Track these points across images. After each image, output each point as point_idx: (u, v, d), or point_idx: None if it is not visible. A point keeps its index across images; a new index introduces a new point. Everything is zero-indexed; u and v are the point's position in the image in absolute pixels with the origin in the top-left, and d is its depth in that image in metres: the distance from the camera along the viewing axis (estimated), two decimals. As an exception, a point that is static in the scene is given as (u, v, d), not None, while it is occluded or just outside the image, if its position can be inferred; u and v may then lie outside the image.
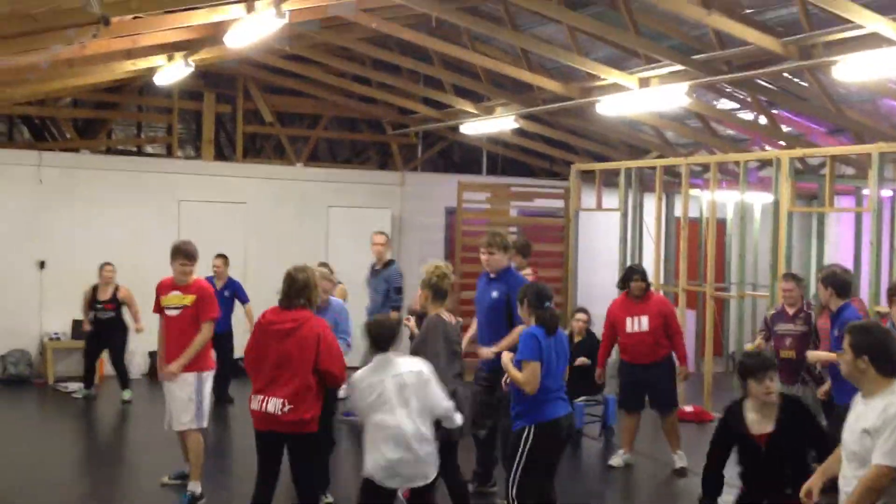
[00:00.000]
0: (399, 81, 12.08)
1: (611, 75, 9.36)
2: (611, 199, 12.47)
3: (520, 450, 5.74)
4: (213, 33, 8.81)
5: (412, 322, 6.94)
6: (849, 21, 7.08)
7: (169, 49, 9.68)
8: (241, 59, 11.65)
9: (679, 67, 8.77)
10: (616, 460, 8.52)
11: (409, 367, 5.43)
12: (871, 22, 6.91)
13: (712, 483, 5.07)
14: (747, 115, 11.03)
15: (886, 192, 10.77)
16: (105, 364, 11.38)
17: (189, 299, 7.02)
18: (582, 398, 9.18)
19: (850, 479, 4.08)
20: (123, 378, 10.91)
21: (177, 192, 12.61)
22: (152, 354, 11.08)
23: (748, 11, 8.09)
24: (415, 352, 6.08)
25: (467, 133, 12.89)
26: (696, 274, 12.97)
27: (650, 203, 11.78)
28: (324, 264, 8.30)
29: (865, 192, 10.54)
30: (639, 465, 8.60)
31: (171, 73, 10.31)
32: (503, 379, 6.20)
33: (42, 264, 12.04)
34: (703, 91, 10.25)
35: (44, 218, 12.03)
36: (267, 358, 5.66)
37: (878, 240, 9.08)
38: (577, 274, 12.99)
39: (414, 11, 8.92)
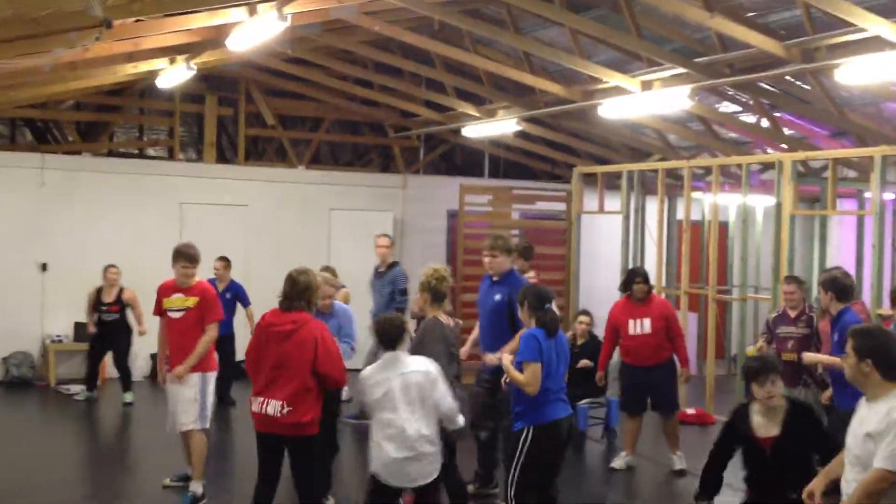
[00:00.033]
0: (401, 84, 12.08)
1: (613, 78, 9.36)
2: (613, 202, 12.46)
3: (518, 450, 5.77)
4: (215, 36, 8.81)
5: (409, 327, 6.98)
6: (851, 24, 7.08)
7: (171, 52, 9.68)
8: (243, 62, 11.65)
9: (681, 70, 8.76)
10: (618, 462, 8.52)
11: (416, 366, 5.48)
12: (873, 25, 6.91)
13: (711, 482, 5.06)
14: (749, 118, 11.02)
15: (889, 195, 10.78)
16: (107, 366, 11.38)
17: (192, 301, 7.06)
18: (585, 400, 9.17)
19: (852, 483, 4.08)
20: (126, 380, 10.92)
21: (178, 194, 12.62)
22: (154, 357, 11.08)
23: (751, 14, 8.09)
24: (413, 354, 6.07)
25: (469, 136, 12.89)
26: (698, 277, 12.97)
27: (652, 206, 11.78)
28: (327, 268, 8.32)
29: (868, 195, 10.52)
30: (641, 467, 8.59)
31: (173, 76, 10.31)
32: (503, 378, 6.22)
33: (44, 266, 12.04)
34: (705, 94, 10.24)
35: (46, 220, 12.04)
36: (266, 359, 5.69)
37: (880, 243, 9.07)
38: (579, 277, 12.98)
39: (416, 14, 8.93)
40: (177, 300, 7.10)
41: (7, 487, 7.45)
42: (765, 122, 10.70)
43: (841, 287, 7.03)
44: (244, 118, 13.48)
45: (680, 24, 8.66)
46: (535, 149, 13.82)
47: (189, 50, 9.48)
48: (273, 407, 5.60)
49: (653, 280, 9.40)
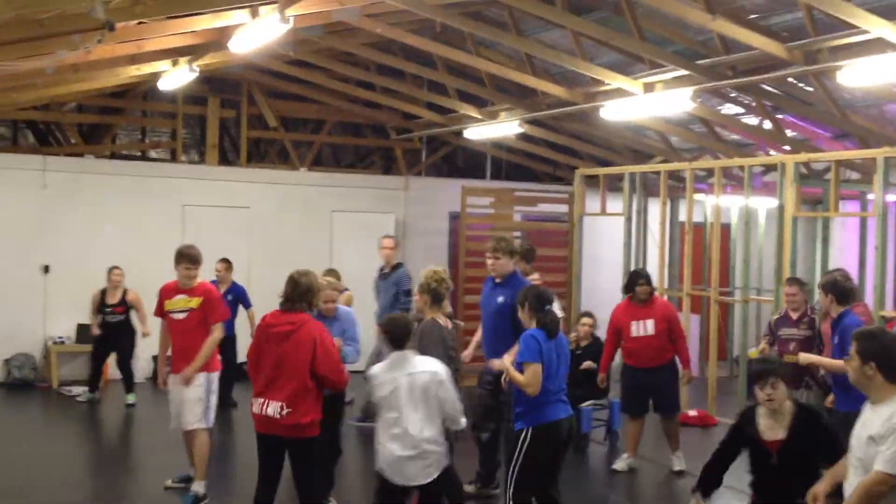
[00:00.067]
0: (403, 86, 12.09)
1: (615, 80, 9.36)
2: (615, 204, 12.46)
3: (518, 451, 5.80)
4: (218, 38, 8.82)
5: None
6: (854, 26, 7.07)
7: (173, 54, 9.69)
8: (245, 64, 11.65)
9: (684, 72, 8.76)
10: (620, 464, 8.52)
11: (424, 366, 5.50)
12: (876, 27, 6.90)
13: (709, 480, 5.04)
14: (752, 120, 11.01)
15: (891, 197, 10.75)
16: (109, 368, 11.40)
17: (195, 302, 7.09)
18: (588, 402, 9.17)
19: (855, 486, 4.07)
20: (129, 382, 10.93)
21: (181, 196, 12.63)
22: (156, 359, 11.08)
23: (753, 16, 8.09)
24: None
25: (471, 138, 12.88)
26: (701, 278, 12.96)
27: (654, 208, 11.78)
28: (331, 271, 8.31)
29: (870, 196, 10.52)
30: (643, 469, 8.59)
31: (176, 78, 10.31)
32: (502, 377, 6.23)
33: (46, 268, 12.05)
34: (707, 96, 10.24)
35: (48, 222, 12.05)
36: (266, 361, 5.71)
37: (882, 244, 9.06)
38: (581, 279, 12.98)
39: (418, 17, 8.93)
40: (180, 301, 7.13)
41: (9, 488, 7.46)
42: (767, 124, 10.70)
43: (841, 290, 7.02)
44: (246, 120, 13.49)
45: (682, 26, 8.66)
46: (537, 151, 13.81)
47: (191, 52, 9.48)
48: (273, 408, 5.61)
49: (655, 282, 9.39)
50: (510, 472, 5.83)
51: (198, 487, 7.07)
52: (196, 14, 7.70)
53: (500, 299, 7.08)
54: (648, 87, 9.24)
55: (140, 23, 7.55)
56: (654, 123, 11.32)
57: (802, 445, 4.54)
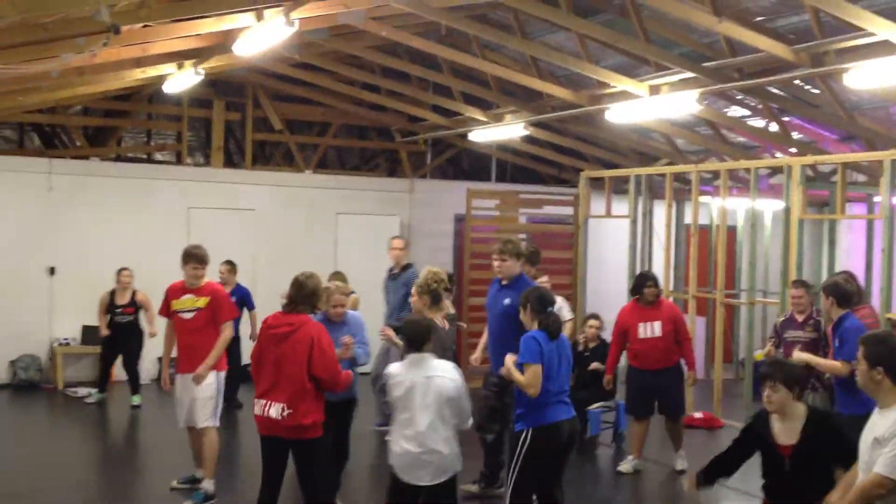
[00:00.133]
0: (408, 89, 12.09)
1: (621, 83, 9.35)
2: (620, 206, 12.44)
3: (518, 451, 5.82)
4: (223, 41, 8.83)
5: (390, 332, 7.07)
6: (860, 28, 7.05)
7: (178, 57, 9.70)
8: (250, 67, 11.67)
9: (689, 75, 8.74)
10: (625, 466, 8.51)
11: (441, 370, 5.53)
12: (882, 29, 6.88)
13: (715, 469, 4.99)
14: (758, 123, 10.99)
15: (898, 199, 10.71)
16: (115, 369, 11.39)
17: (203, 301, 7.16)
18: (598, 405, 9.17)
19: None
20: (135, 383, 10.95)
21: (186, 199, 12.64)
22: (161, 360, 11.10)
23: (759, 19, 8.07)
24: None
25: (476, 140, 12.88)
26: (706, 281, 12.94)
27: (660, 210, 11.76)
28: (337, 274, 8.31)
29: (877, 199, 10.50)
30: (648, 470, 8.58)
31: (181, 81, 10.33)
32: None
33: (52, 270, 12.08)
34: (713, 98, 10.22)
35: (54, 225, 12.07)
36: (267, 362, 5.74)
37: (889, 246, 9.03)
38: (586, 281, 12.96)
39: (423, 20, 8.93)
40: (187, 301, 7.19)
41: (15, 490, 7.47)
42: (773, 127, 10.67)
43: (842, 293, 7.01)
44: (251, 123, 13.49)
45: (688, 28, 8.64)
46: (543, 153, 13.80)
47: (197, 55, 9.49)
48: (276, 410, 5.64)
49: (660, 284, 9.38)
50: (510, 473, 5.87)
51: (207, 485, 7.12)
52: (201, 17, 7.70)
53: (507, 301, 7.08)
54: (654, 90, 9.23)
55: (145, 26, 7.56)
56: (660, 126, 11.30)
57: (815, 449, 4.51)
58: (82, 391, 11.36)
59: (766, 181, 12.41)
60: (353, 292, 8.55)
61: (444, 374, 5.50)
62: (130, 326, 10.94)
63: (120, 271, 10.93)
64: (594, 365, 9.16)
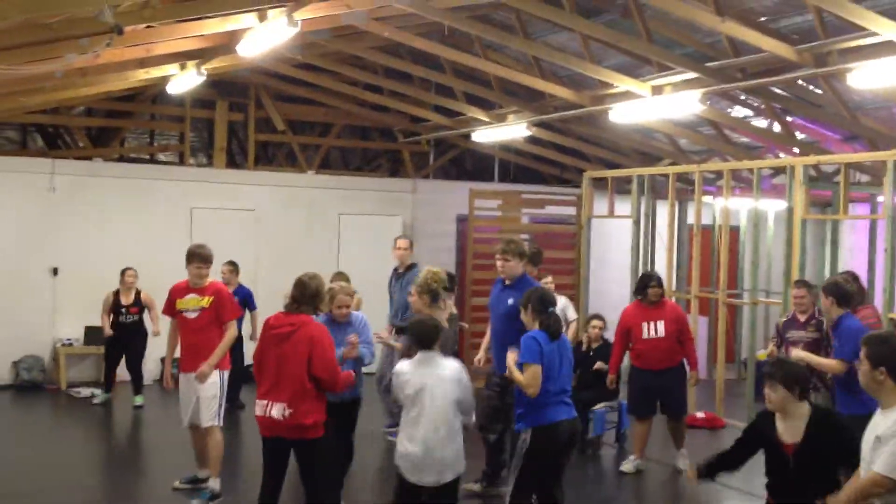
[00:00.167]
0: (411, 90, 12.09)
1: (623, 83, 9.35)
2: (623, 207, 12.44)
3: (518, 451, 5.84)
4: (226, 42, 8.84)
5: (384, 334, 7.10)
6: (864, 28, 7.05)
7: (181, 58, 9.71)
8: (253, 67, 11.67)
9: (692, 75, 8.74)
10: (627, 466, 8.52)
11: (450, 368, 5.58)
12: (886, 29, 6.88)
13: (718, 463, 4.99)
14: (761, 123, 10.99)
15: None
16: (117, 369, 11.41)
17: (206, 301, 7.19)
18: (603, 405, 9.18)
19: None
20: (138, 383, 10.97)
21: (189, 199, 12.66)
22: (163, 360, 11.11)
23: (762, 19, 8.07)
24: (407, 354, 6.16)
25: (479, 140, 12.88)
26: (709, 281, 12.94)
27: (663, 210, 11.75)
28: (340, 274, 8.32)
29: (880, 198, 10.48)
30: (650, 470, 8.58)
31: (184, 81, 10.34)
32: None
33: (55, 271, 12.09)
34: (716, 98, 10.21)
35: (57, 225, 12.08)
36: (268, 362, 5.76)
37: (892, 247, 9.01)
38: (589, 281, 12.95)
39: (426, 20, 8.92)
40: (191, 300, 7.22)
41: (17, 490, 7.48)
42: (776, 127, 10.67)
43: (842, 292, 7.00)
44: (254, 123, 13.50)
45: (691, 28, 8.64)
46: (545, 153, 13.80)
47: (200, 56, 9.50)
48: (277, 410, 5.66)
49: (664, 284, 9.38)
50: (511, 473, 5.90)
51: (213, 484, 7.15)
52: (204, 18, 7.71)
53: (510, 301, 7.08)
54: (657, 90, 9.22)
55: (148, 26, 7.56)
56: (663, 126, 11.29)
57: (818, 448, 4.51)
58: (85, 391, 11.38)
59: (768, 181, 12.40)
60: (355, 293, 8.56)
61: (452, 371, 5.56)
62: (135, 326, 10.96)
63: (124, 271, 10.95)
64: (598, 365, 9.16)
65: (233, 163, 13.59)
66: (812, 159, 10.06)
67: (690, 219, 12.19)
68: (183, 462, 7.80)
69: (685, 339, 8.50)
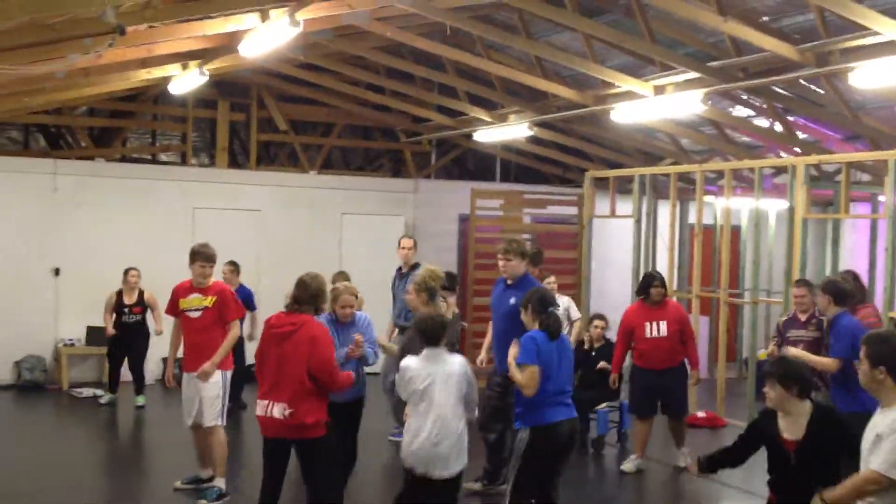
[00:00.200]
0: (413, 90, 12.10)
1: (626, 83, 9.35)
2: (625, 206, 12.45)
3: (517, 451, 5.86)
4: (228, 42, 8.85)
5: (382, 339, 7.14)
6: (865, 28, 7.05)
7: (184, 58, 9.72)
8: (255, 67, 11.68)
9: (694, 75, 8.74)
10: (628, 465, 8.53)
11: (456, 364, 5.68)
12: (888, 29, 6.88)
13: (719, 458, 5.00)
14: (763, 122, 10.99)
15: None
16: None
17: (210, 300, 7.21)
18: (605, 405, 9.18)
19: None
20: (140, 383, 10.97)
21: (191, 199, 12.67)
22: (166, 360, 11.13)
23: (765, 19, 8.07)
24: (406, 351, 6.23)
25: (481, 140, 12.89)
26: (710, 280, 12.94)
27: (664, 210, 11.76)
28: (341, 273, 8.32)
29: (881, 198, 10.48)
30: (651, 470, 8.59)
31: (186, 81, 10.34)
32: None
33: (57, 271, 12.10)
34: (718, 98, 10.22)
35: (59, 225, 12.10)
36: (269, 362, 5.78)
37: (893, 246, 9.01)
38: (591, 281, 12.96)
39: (428, 20, 8.93)
40: (194, 300, 7.24)
41: (19, 490, 7.48)
42: (778, 126, 10.67)
43: (839, 291, 7.01)
44: (256, 123, 13.52)
45: (693, 28, 8.65)
46: (547, 153, 13.81)
47: (202, 56, 9.51)
48: (279, 409, 5.67)
49: (666, 284, 9.39)
50: (510, 473, 5.93)
51: (220, 483, 7.17)
52: (206, 18, 7.72)
53: (512, 301, 7.08)
54: (659, 90, 9.23)
55: (151, 27, 7.57)
56: (665, 126, 11.30)
57: (820, 444, 4.52)
58: (87, 392, 11.39)
59: (770, 181, 12.40)
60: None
61: (457, 366, 5.66)
62: (137, 326, 10.97)
63: (127, 271, 10.96)
64: (602, 364, 9.17)
65: (235, 163, 13.60)
66: (813, 159, 10.06)
67: (692, 218, 12.19)
68: (185, 462, 7.81)
69: (687, 339, 8.52)
